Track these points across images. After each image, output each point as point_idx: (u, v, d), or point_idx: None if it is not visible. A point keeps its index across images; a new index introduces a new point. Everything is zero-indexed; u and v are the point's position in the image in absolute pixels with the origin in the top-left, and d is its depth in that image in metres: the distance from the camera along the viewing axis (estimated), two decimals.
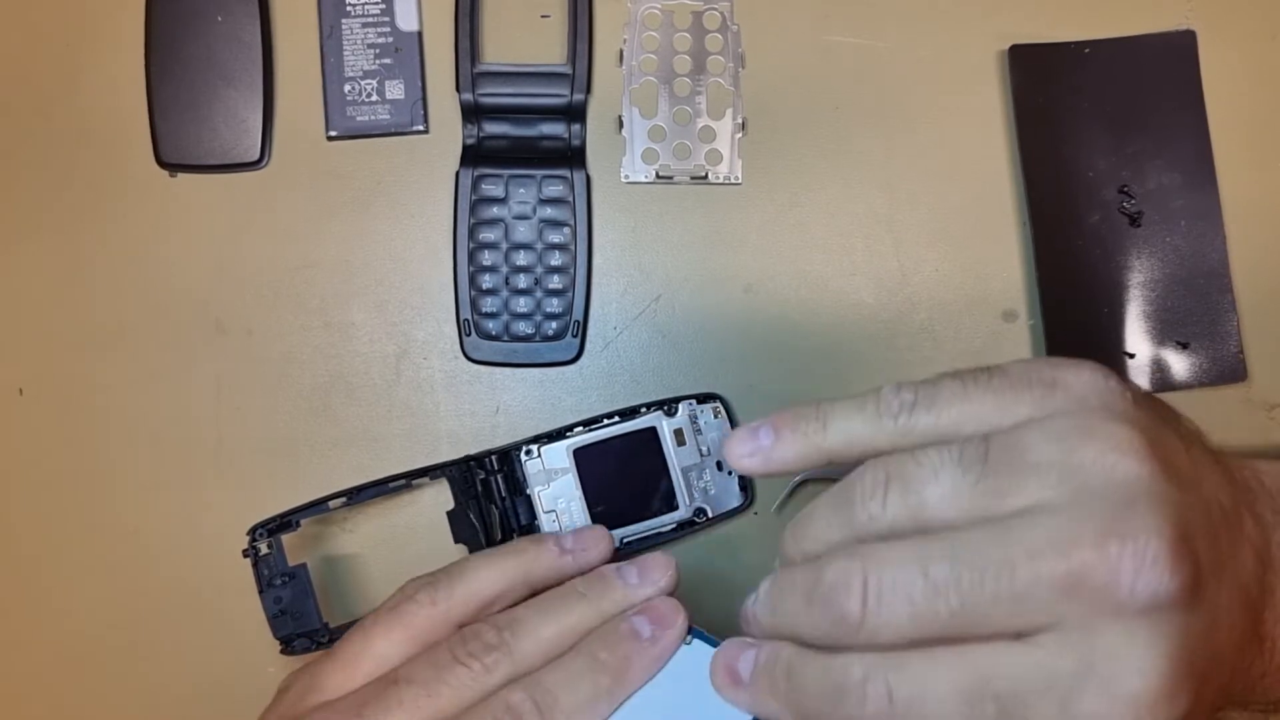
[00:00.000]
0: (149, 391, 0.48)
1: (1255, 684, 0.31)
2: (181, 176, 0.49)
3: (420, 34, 0.49)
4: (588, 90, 0.49)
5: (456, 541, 0.45)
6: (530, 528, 0.45)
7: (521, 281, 0.48)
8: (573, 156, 0.48)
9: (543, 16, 0.49)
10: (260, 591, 0.42)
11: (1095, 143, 0.48)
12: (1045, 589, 0.26)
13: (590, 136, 0.49)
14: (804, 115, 0.49)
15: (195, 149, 0.48)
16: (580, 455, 0.45)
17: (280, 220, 0.49)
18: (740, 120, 0.49)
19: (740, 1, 0.50)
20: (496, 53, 0.49)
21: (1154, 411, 0.29)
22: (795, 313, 0.48)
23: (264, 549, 0.43)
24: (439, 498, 0.46)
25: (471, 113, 0.48)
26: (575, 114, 0.49)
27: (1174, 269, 0.48)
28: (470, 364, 0.48)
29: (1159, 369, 0.48)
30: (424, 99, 0.49)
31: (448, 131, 0.49)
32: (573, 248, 0.48)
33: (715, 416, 0.46)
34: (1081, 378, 0.29)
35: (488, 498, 0.45)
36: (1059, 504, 0.27)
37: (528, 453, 0.45)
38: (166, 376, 0.48)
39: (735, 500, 0.46)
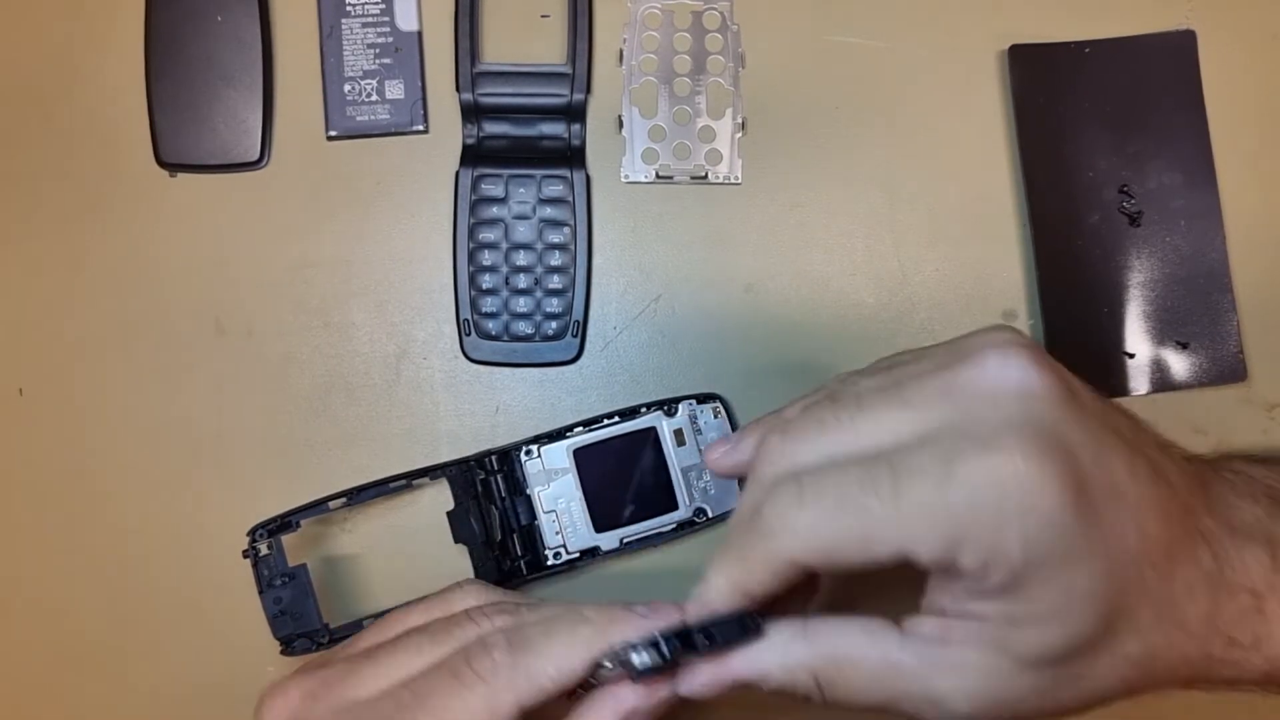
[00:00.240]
0: (149, 391, 0.48)
1: (1213, 665, 0.32)
2: (181, 176, 0.49)
3: (420, 34, 0.49)
4: (588, 90, 0.49)
5: (456, 541, 0.45)
6: (530, 528, 0.45)
7: (521, 281, 0.48)
8: (573, 156, 0.48)
9: (543, 16, 0.49)
10: (260, 592, 0.43)
11: (1095, 142, 0.48)
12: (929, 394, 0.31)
13: (590, 136, 0.49)
14: (804, 115, 0.49)
15: (195, 149, 0.48)
16: (580, 455, 0.45)
17: (280, 220, 0.49)
18: (740, 120, 0.49)
19: (740, 1, 0.50)
20: (496, 53, 0.49)
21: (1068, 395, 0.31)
22: (795, 313, 0.48)
23: (264, 549, 0.43)
24: (439, 498, 0.46)
25: (471, 112, 0.48)
26: (575, 114, 0.48)
27: (1174, 269, 0.48)
28: (470, 364, 0.48)
29: (1159, 369, 0.48)
30: (424, 99, 0.49)
31: (447, 131, 0.49)
32: (573, 248, 0.48)
33: (715, 416, 0.46)
34: (984, 383, 0.31)
35: (488, 498, 0.45)
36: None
37: (527, 453, 0.45)
38: (166, 376, 0.48)
39: (735, 500, 0.46)
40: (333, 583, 0.47)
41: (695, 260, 0.49)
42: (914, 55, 0.50)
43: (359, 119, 0.49)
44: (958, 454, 0.29)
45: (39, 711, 0.47)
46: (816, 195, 0.49)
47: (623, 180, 0.49)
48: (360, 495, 0.44)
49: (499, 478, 0.45)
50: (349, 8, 0.49)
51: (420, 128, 0.49)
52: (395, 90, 0.49)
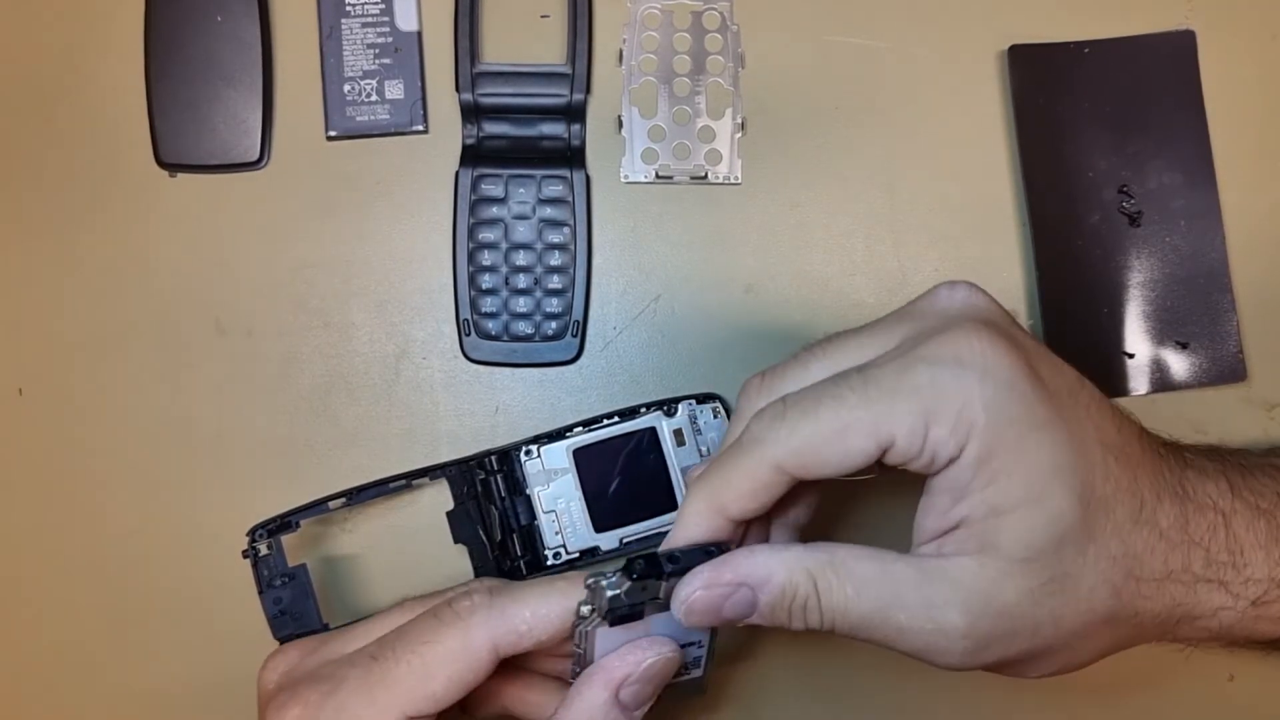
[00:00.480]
0: (149, 392, 0.48)
1: (1199, 589, 0.34)
2: (181, 177, 0.49)
3: (420, 34, 0.49)
4: (587, 90, 0.49)
5: (456, 542, 0.45)
6: (530, 528, 0.45)
7: (521, 281, 0.48)
8: (572, 156, 0.48)
9: (542, 16, 0.49)
10: (260, 592, 0.43)
11: (1095, 143, 0.48)
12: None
13: (590, 136, 0.49)
14: (804, 115, 0.49)
15: (195, 149, 0.48)
16: (580, 455, 0.45)
17: (280, 220, 0.49)
18: (740, 120, 0.49)
19: (740, 1, 0.50)
20: (496, 53, 0.49)
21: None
22: (795, 313, 0.48)
23: (264, 549, 0.43)
24: (439, 498, 0.46)
25: (471, 113, 0.48)
26: (575, 114, 0.48)
27: (1174, 269, 0.48)
28: (470, 364, 0.48)
29: (1159, 369, 0.48)
30: (424, 99, 0.49)
31: (447, 131, 0.49)
32: (572, 248, 0.48)
33: (715, 416, 0.46)
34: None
35: (487, 498, 0.45)
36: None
37: (527, 453, 0.45)
38: (166, 377, 0.48)
39: None
40: (333, 583, 0.47)
41: (695, 260, 0.49)
42: (914, 55, 0.50)
43: (359, 119, 0.49)
44: (918, 345, 0.32)
45: (39, 711, 0.47)
46: (816, 195, 0.49)
47: (622, 180, 0.49)
48: (360, 495, 0.44)
49: (499, 478, 0.45)
50: (349, 8, 0.49)
51: (420, 128, 0.49)
52: (395, 90, 0.49)
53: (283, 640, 0.43)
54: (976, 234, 0.49)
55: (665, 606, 0.34)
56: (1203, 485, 0.35)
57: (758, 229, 0.49)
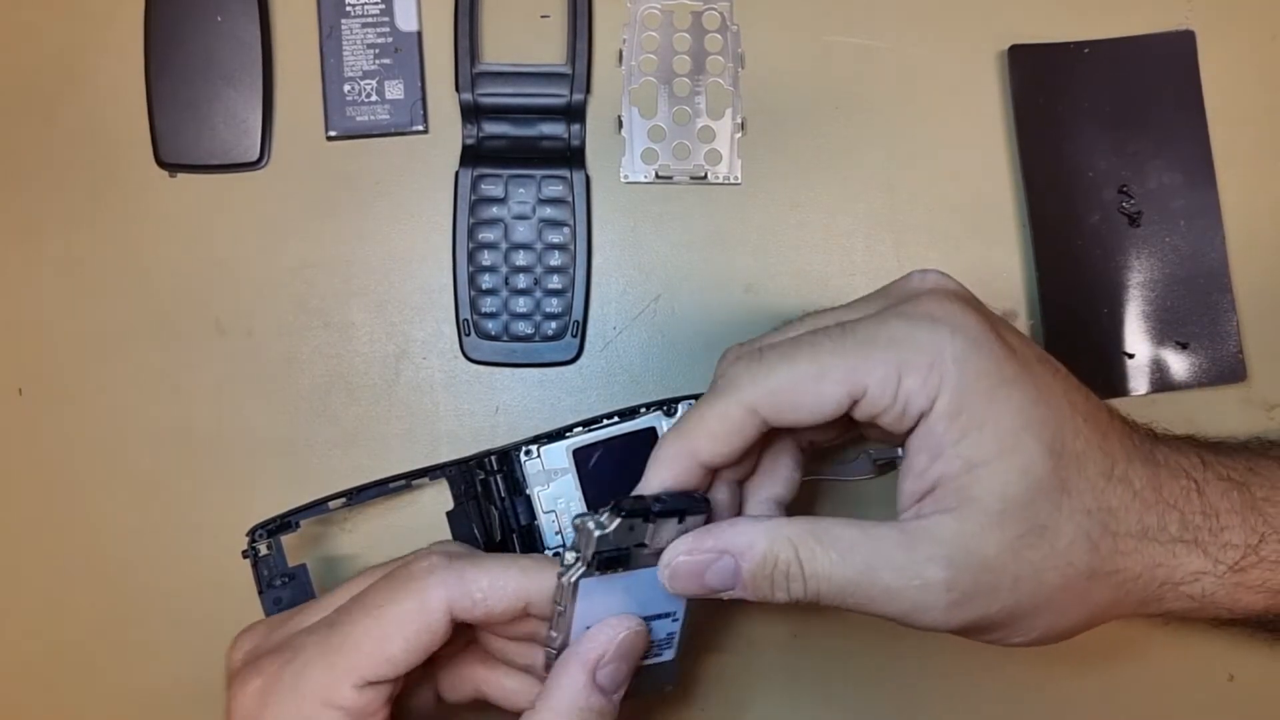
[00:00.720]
0: (148, 392, 0.48)
1: (1177, 552, 0.35)
2: (181, 177, 0.49)
3: (420, 34, 0.49)
4: (587, 90, 0.49)
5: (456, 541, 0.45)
6: (530, 528, 0.45)
7: (521, 281, 0.48)
8: (572, 156, 0.48)
9: (542, 16, 0.49)
10: (260, 592, 0.42)
11: (1095, 143, 0.48)
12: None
13: (590, 136, 0.49)
14: (804, 115, 0.49)
15: (195, 149, 0.48)
16: (580, 455, 0.45)
17: (280, 220, 0.49)
18: (740, 120, 0.49)
19: (740, 1, 0.50)
20: (496, 53, 0.49)
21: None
22: (795, 313, 0.48)
23: (263, 550, 0.43)
24: (439, 498, 0.46)
25: (471, 113, 0.48)
26: (575, 114, 0.48)
27: (1173, 269, 0.48)
28: (470, 364, 0.48)
29: (1159, 369, 0.48)
30: (423, 99, 0.49)
31: (447, 131, 0.49)
32: (572, 248, 0.48)
33: None
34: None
35: (487, 498, 0.45)
36: None
37: (527, 453, 0.45)
38: (166, 377, 0.48)
39: None
40: (333, 583, 0.46)
41: (695, 260, 0.49)
42: (914, 55, 0.50)
43: (359, 119, 0.49)
44: (893, 305, 0.34)
45: (38, 711, 0.47)
46: (816, 195, 0.49)
47: (622, 180, 0.49)
48: (360, 495, 0.44)
49: (499, 478, 0.45)
50: (348, 8, 0.49)
51: (420, 128, 0.49)
52: (395, 90, 0.49)
53: None
54: (976, 234, 0.49)
55: (649, 560, 0.34)
56: (1173, 456, 0.36)
57: (758, 229, 0.49)
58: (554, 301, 0.48)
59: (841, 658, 0.47)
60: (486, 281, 0.48)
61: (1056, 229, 0.48)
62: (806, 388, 0.33)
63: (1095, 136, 0.48)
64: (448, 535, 0.45)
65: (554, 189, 0.48)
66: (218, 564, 0.45)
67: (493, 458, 0.45)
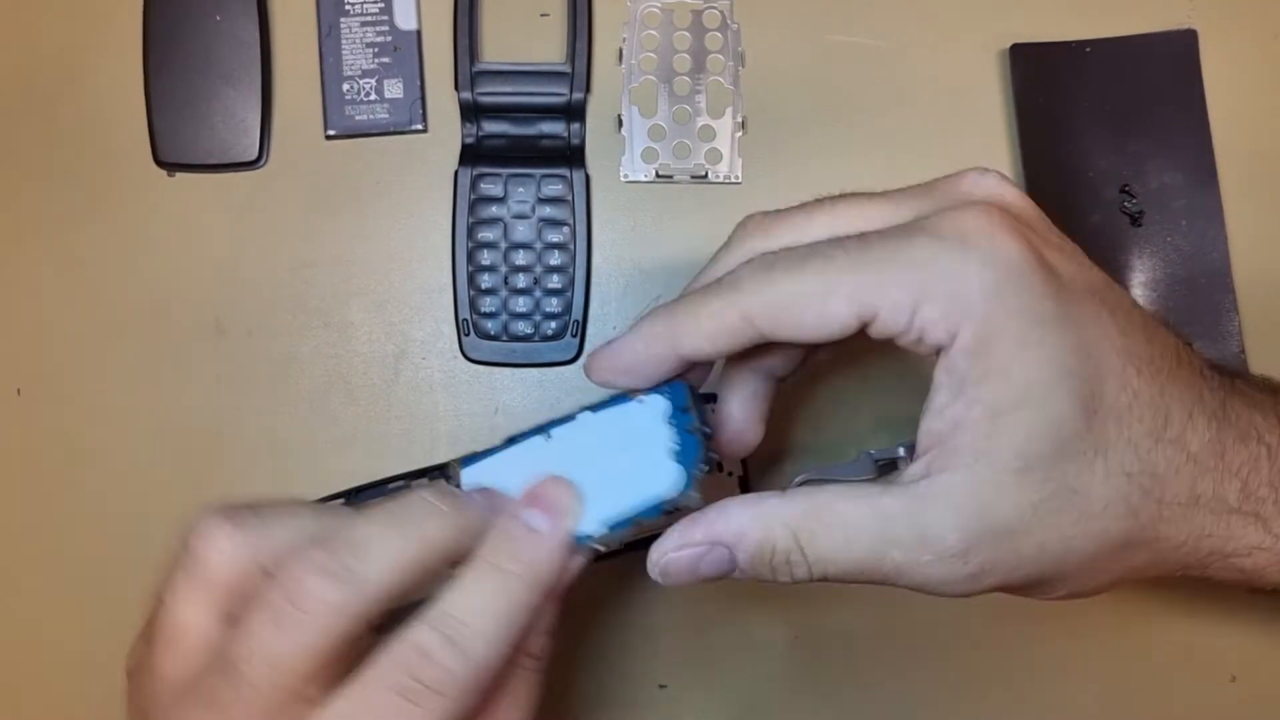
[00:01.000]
0: (147, 392, 0.48)
1: (1232, 521, 0.31)
2: (180, 176, 0.49)
3: (419, 33, 0.49)
4: (587, 89, 0.48)
5: None
6: None
7: (520, 281, 0.48)
8: (572, 156, 0.48)
9: (542, 15, 0.49)
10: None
11: (1096, 142, 0.48)
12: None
13: (589, 135, 0.49)
14: (804, 114, 0.49)
15: (193, 148, 0.48)
16: None
17: (279, 220, 0.49)
18: (740, 119, 0.49)
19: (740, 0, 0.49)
20: (495, 51, 0.49)
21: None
22: None
23: None
24: None
25: (470, 112, 0.48)
26: (574, 113, 0.48)
27: (1175, 268, 0.48)
28: (469, 364, 0.48)
29: None
30: (423, 98, 0.49)
31: (447, 130, 0.49)
32: (572, 247, 0.48)
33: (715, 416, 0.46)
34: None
35: None
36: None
37: None
38: (165, 377, 0.48)
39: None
40: None
41: (695, 260, 0.48)
42: (915, 54, 0.49)
43: (358, 118, 0.49)
44: (925, 218, 0.30)
45: (38, 711, 0.47)
46: (817, 194, 0.49)
47: (622, 180, 0.49)
48: (359, 496, 0.44)
49: None
50: (348, 7, 0.49)
51: (419, 127, 0.49)
52: (394, 89, 0.49)
53: None
54: None
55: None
56: (1248, 413, 0.32)
57: None
58: (554, 301, 0.48)
59: (842, 659, 0.47)
60: (486, 281, 0.48)
61: (1058, 228, 0.48)
62: (810, 303, 0.30)
63: (1097, 136, 0.48)
64: None
65: (554, 188, 0.48)
66: None
67: None
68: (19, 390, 0.48)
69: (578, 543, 0.32)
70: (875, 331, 0.30)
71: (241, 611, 0.28)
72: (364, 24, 0.49)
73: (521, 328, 0.48)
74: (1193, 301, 0.48)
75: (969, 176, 0.32)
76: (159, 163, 0.48)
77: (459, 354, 0.48)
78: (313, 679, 0.28)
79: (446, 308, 0.48)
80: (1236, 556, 0.31)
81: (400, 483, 0.44)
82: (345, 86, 0.49)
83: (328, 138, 0.49)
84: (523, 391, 0.48)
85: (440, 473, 0.45)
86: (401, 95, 0.49)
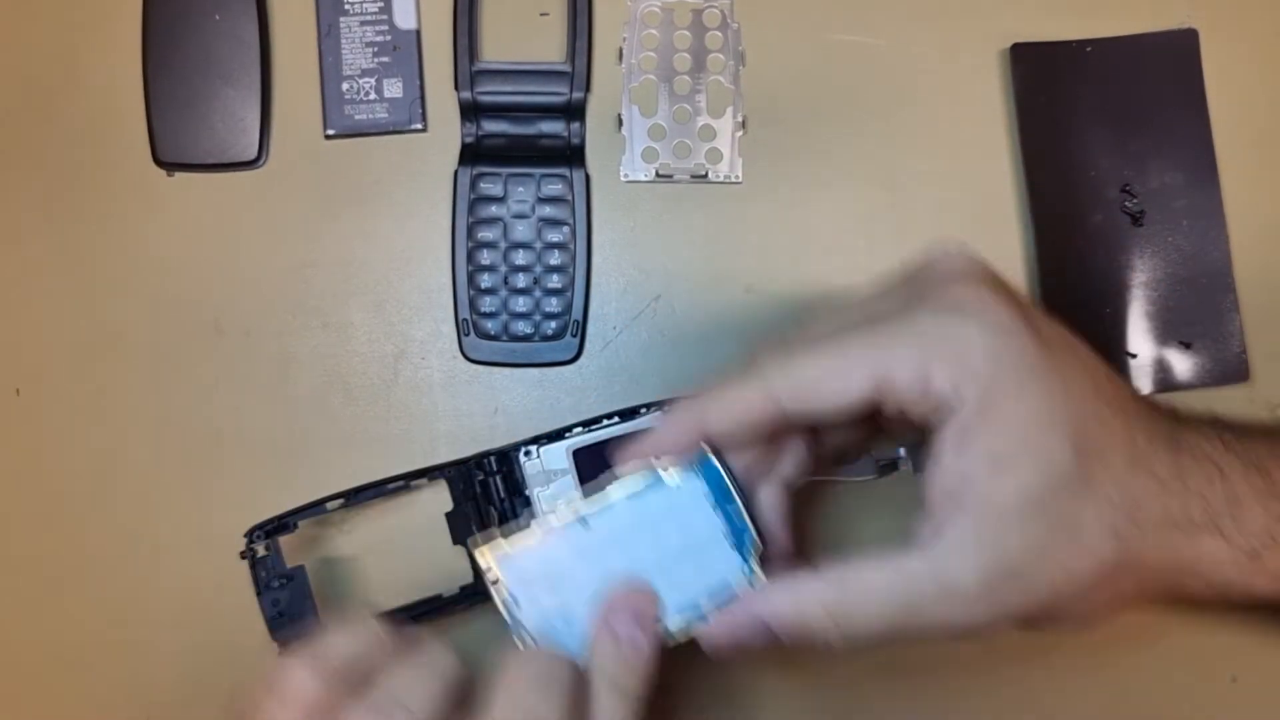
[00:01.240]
0: (147, 392, 0.48)
1: (1199, 536, 0.34)
2: (179, 176, 0.49)
3: (418, 32, 0.49)
4: (587, 88, 0.48)
5: (455, 543, 0.45)
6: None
7: (520, 281, 0.48)
8: (572, 155, 0.48)
9: (542, 14, 0.49)
10: (258, 594, 0.42)
11: (1097, 142, 0.48)
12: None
13: (590, 135, 0.49)
14: (805, 114, 0.49)
15: (193, 148, 0.48)
16: (580, 456, 0.45)
17: (278, 220, 0.49)
18: (740, 119, 0.49)
19: None
20: (495, 51, 0.49)
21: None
22: (795, 313, 0.48)
23: (261, 551, 0.42)
24: (437, 499, 0.46)
25: (470, 111, 0.48)
26: (574, 112, 0.48)
27: (1176, 268, 0.48)
28: (469, 364, 0.48)
29: (1161, 369, 0.47)
30: (422, 97, 0.49)
31: (446, 130, 0.49)
32: (572, 247, 0.48)
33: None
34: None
35: (486, 499, 0.45)
36: None
37: (526, 453, 0.45)
38: (164, 377, 0.48)
39: None
40: (331, 584, 0.46)
41: (695, 260, 0.49)
42: (915, 54, 0.49)
43: (357, 118, 0.48)
44: (920, 296, 0.34)
45: (38, 711, 0.47)
46: (816, 195, 0.49)
47: (622, 179, 0.49)
48: (358, 496, 0.44)
49: (498, 479, 0.45)
50: (347, 6, 0.49)
51: (419, 126, 0.49)
52: (394, 89, 0.49)
53: (281, 643, 0.42)
54: (977, 233, 0.49)
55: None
56: (1197, 440, 0.35)
57: (758, 228, 0.49)
58: (553, 301, 0.48)
59: (843, 660, 0.47)
60: (486, 281, 0.48)
61: (1059, 228, 0.48)
62: (831, 379, 0.33)
63: (1098, 135, 0.48)
64: (446, 537, 0.45)
65: (553, 188, 0.48)
66: (215, 565, 0.45)
67: (492, 458, 0.45)
68: (18, 390, 0.48)
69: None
70: (889, 405, 0.33)
71: None
72: (363, 23, 0.49)
73: (521, 327, 0.48)
74: (1193, 301, 0.48)
75: (937, 259, 0.35)
76: (158, 162, 0.48)
77: (459, 354, 0.48)
78: None
79: (446, 307, 0.48)
80: (1206, 570, 0.35)
81: (400, 482, 0.44)
82: (345, 86, 0.49)
83: (327, 137, 0.49)
84: (522, 391, 0.48)
85: (439, 473, 0.45)
86: (401, 95, 0.49)
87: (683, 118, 0.49)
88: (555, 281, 0.48)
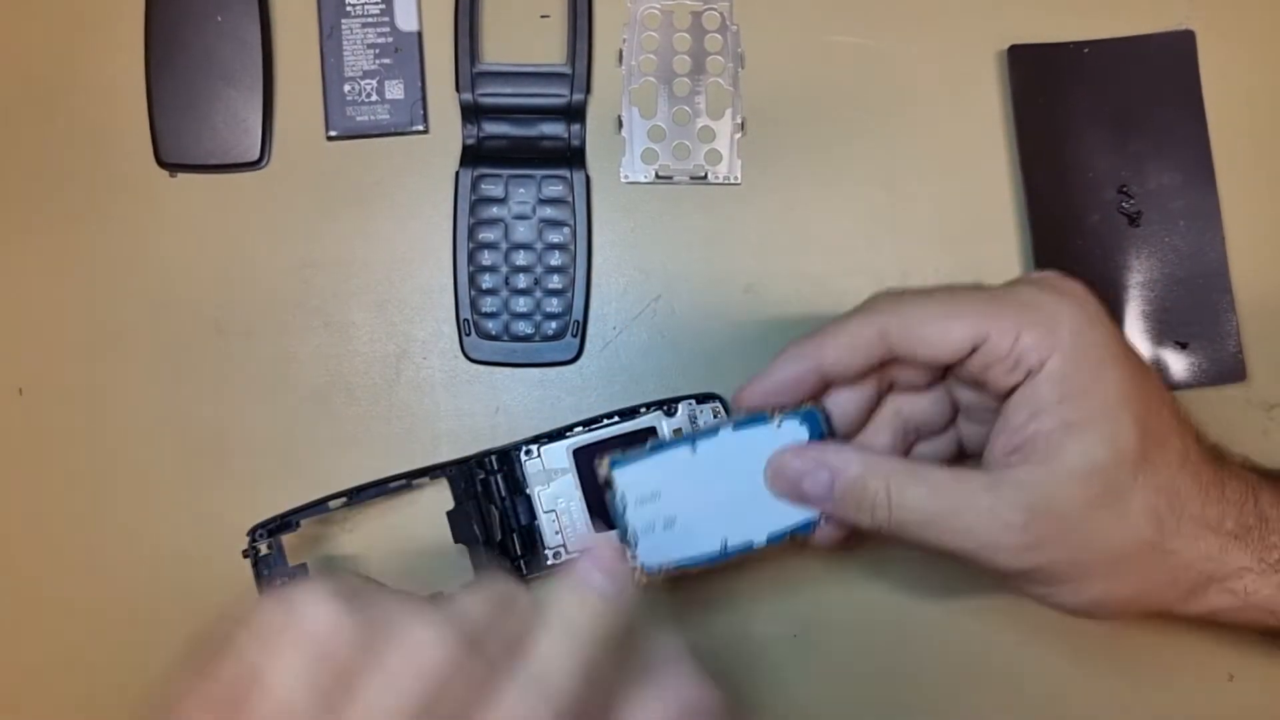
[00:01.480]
0: (148, 392, 0.48)
1: (1229, 547, 0.37)
2: (181, 176, 0.49)
3: (420, 34, 0.49)
4: (587, 90, 0.49)
5: (456, 542, 0.45)
6: (530, 528, 0.45)
7: (521, 281, 0.48)
8: (572, 156, 0.48)
9: (542, 16, 0.49)
10: (260, 592, 0.42)
11: (1095, 143, 0.48)
12: None
13: (590, 136, 0.49)
14: (804, 115, 0.49)
15: (195, 149, 0.48)
16: (580, 455, 0.45)
17: (280, 220, 0.49)
18: (740, 120, 0.49)
19: (740, 1, 0.50)
20: (496, 53, 0.49)
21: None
22: (795, 313, 0.48)
23: (264, 549, 0.43)
24: (439, 498, 0.46)
25: (471, 113, 0.48)
26: (575, 114, 0.49)
27: (1173, 269, 0.48)
28: (470, 364, 0.48)
29: (1158, 369, 0.48)
30: (424, 99, 0.49)
31: (447, 131, 0.49)
32: (572, 248, 0.48)
33: (715, 416, 0.46)
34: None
35: (487, 498, 0.45)
36: None
37: (527, 453, 0.45)
38: (166, 377, 0.48)
39: None
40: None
41: (695, 260, 0.49)
42: (914, 55, 0.50)
43: (359, 119, 0.49)
44: (1026, 279, 0.38)
45: (38, 711, 0.47)
46: (816, 195, 0.49)
47: (622, 180, 0.49)
48: (360, 495, 0.44)
49: (499, 477, 0.45)
50: (349, 8, 0.49)
51: (420, 128, 0.49)
52: (395, 90, 0.49)
53: None
54: (976, 234, 0.49)
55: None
56: (1235, 465, 0.38)
57: (758, 229, 0.49)
58: (554, 301, 0.48)
59: (843, 660, 0.47)
60: (487, 281, 0.48)
61: (1056, 229, 0.48)
62: (935, 324, 0.36)
63: (1095, 136, 0.48)
64: (448, 535, 0.45)
65: (554, 189, 0.48)
66: (218, 564, 0.45)
67: (493, 457, 0.45)
68: (21, 390, 0.48)
69: (737, 552, 0.38)
70: (978, 360, 0.36)
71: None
72: (365, 25, 0.49)
73: (522, 328, 0.48)
74: (1190, 301, 0.48)
75: (1031, 274, 0.39)
76: (160, 163, 0.48)
77: (460, 354, 0.48)
78: None
79: (447, 308, 0.48)
80: (1230, 579, 0.37)
81: (402, 481, 0.44)
82: (346, 87, 0.49)
83: (329, 138, 0.49)
84: (523, 391, 0.48)
85: (440, 472, 0.45)
86: (402, 96, 0.49)
87: (682, 119, 0.49)
88: (556, 282, 0.48)
